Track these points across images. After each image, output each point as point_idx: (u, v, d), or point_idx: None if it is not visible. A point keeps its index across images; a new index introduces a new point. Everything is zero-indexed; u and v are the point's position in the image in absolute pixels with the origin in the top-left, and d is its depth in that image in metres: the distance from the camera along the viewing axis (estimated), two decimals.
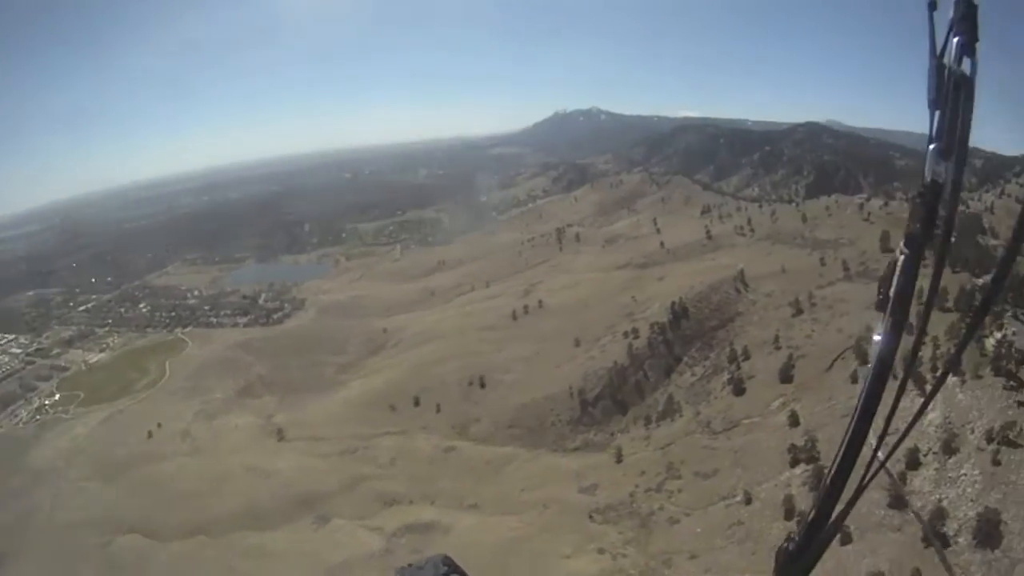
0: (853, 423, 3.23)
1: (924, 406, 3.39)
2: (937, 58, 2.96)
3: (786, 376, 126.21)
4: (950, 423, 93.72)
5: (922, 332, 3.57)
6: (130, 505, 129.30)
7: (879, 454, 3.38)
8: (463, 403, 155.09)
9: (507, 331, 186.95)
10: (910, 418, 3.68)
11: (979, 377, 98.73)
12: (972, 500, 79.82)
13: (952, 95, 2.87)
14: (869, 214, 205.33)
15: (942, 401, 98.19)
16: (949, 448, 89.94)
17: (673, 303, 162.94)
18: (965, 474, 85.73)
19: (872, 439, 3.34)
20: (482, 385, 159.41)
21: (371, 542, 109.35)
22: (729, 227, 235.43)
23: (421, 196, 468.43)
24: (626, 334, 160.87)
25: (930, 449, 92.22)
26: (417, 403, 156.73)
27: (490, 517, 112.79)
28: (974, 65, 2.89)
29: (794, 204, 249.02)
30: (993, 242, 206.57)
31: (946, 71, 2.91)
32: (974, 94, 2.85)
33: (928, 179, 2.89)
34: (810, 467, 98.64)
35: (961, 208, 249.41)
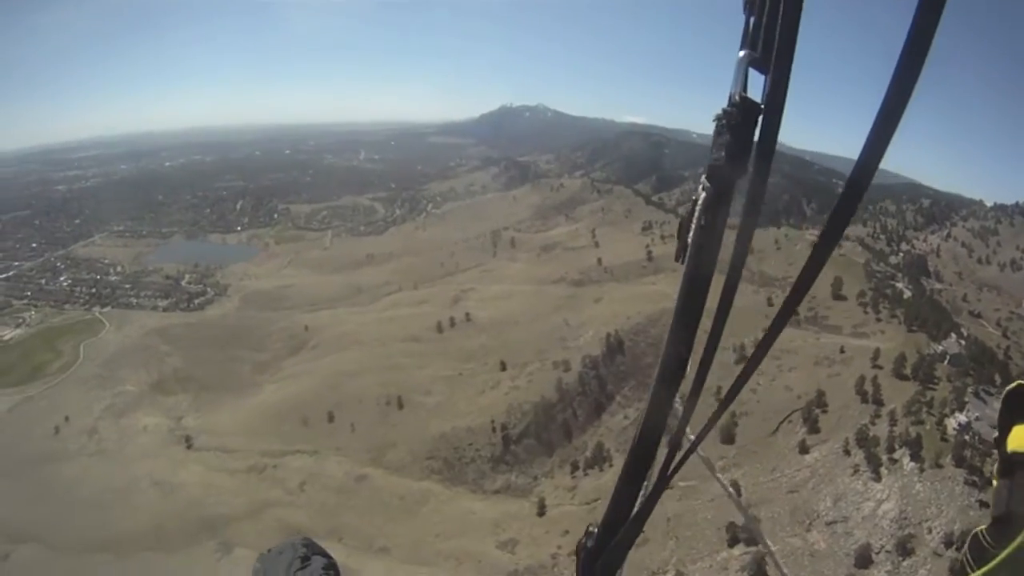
0: (651, 396, 2.65)
1: (744, 379, 2.50)
2: None
3: (727, 435, 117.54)
4: (906, 518, 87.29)
5: (726, 309, 2.45)
6: (32, 510, 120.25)
7: (689, 436, 2.78)
8: (380, 425, 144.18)
9: (431, 344, 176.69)
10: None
11: (939, 466, 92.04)
12: None
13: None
14: None
15: (899, 491, 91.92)
16: (904, 549, 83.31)
17: (608, 335, 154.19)
18: None
19: (678, 410, 2.70)
20: (400, 406, 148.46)
21: None
22: (671, 248, 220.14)
23: (358, 181, 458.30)
24: (556, 364, 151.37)
25: (883, 547, 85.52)
26: (332, 419, 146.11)
27: (401, 566, 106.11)
28: None
29: None
30: (938, 286, 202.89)
31: None
32: None
33: (737, 95, 2.24)
34: (751, 551, 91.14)
35: (906, 248, 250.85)
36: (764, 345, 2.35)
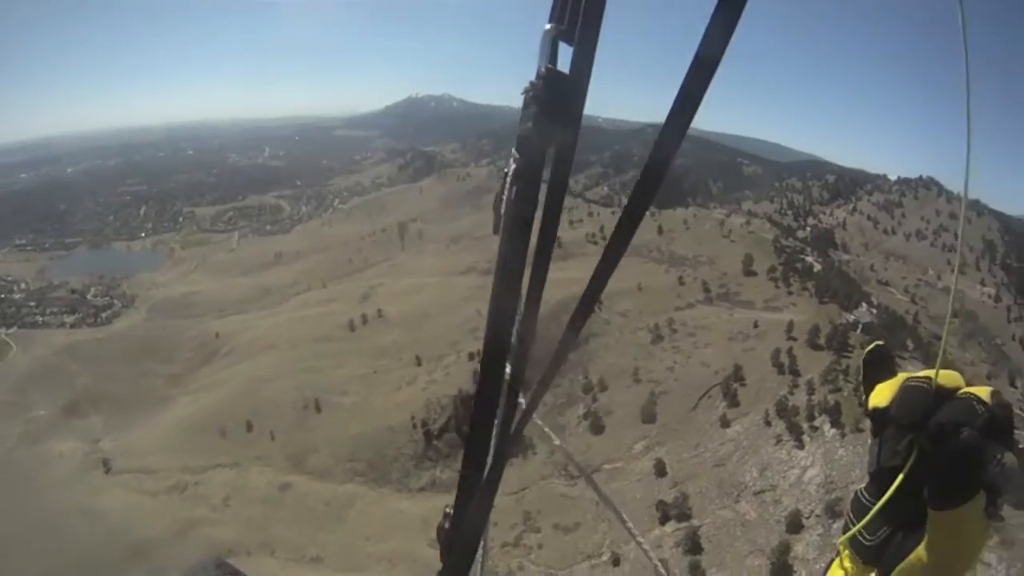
0: (480, 371, 2.56)
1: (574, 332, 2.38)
2: None
3: (648, 415, 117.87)
4: (832, 482, 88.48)
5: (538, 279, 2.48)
6: None
7: (521, 400, 2.79)
8: (298, 430, 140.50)
9: (344, 343, 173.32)
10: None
11: (860, 431, 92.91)
12: None
13: None
14: (730, 231, 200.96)
15: (822, 457, 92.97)
16: (833, 511, 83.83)
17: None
18: None
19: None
20: (318, 409, 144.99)
21: None
22: (580, 233, 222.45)
23: (263, 179, 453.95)
24: (471, 355, 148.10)
25: (812, 511, 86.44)
26: (250, 428, 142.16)
27: (336, 574, 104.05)
28: None
29: (650, 213, 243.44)
30: (846, 258, 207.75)
31: None
32: None
33: (544, 67, 2.21)
34: (683, 526, 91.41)
35: (814, 222, 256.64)
36: (590, 295, 2.25)
